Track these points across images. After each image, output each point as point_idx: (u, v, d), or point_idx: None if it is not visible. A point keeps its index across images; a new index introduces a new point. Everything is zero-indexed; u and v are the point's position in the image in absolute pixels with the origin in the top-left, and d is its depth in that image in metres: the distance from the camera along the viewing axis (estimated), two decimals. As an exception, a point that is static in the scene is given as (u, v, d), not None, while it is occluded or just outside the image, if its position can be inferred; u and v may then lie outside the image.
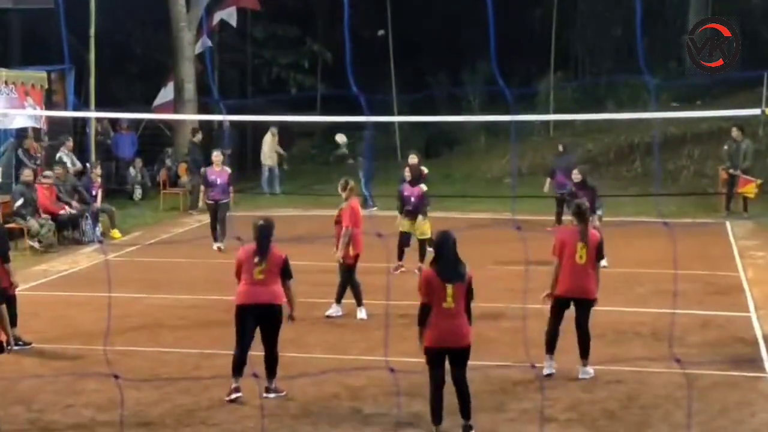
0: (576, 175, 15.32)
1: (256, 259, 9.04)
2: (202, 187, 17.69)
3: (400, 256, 14.78)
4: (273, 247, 9.17)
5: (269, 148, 24.93)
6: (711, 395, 9.16)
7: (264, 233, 9.12)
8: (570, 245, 9.57)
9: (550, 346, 9.71)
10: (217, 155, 17.32)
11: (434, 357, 8.07)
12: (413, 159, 15.87)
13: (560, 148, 18.79)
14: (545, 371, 9.64)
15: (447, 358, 8.10)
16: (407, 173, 15.11)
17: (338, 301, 12.20)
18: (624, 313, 12.42)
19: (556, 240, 9.73)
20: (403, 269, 14.62)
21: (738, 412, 8.83)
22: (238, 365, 9.03)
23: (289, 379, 9.43)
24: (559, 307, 9.70)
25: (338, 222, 11.99)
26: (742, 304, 12.87)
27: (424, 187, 14.99)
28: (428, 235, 14.73)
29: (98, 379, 9.32)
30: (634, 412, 8.80)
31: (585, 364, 9.69)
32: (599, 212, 14.96)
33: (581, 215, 9.73)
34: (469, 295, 8.13)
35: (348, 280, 12.02)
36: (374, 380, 9.43)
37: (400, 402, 8.60)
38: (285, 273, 9.14)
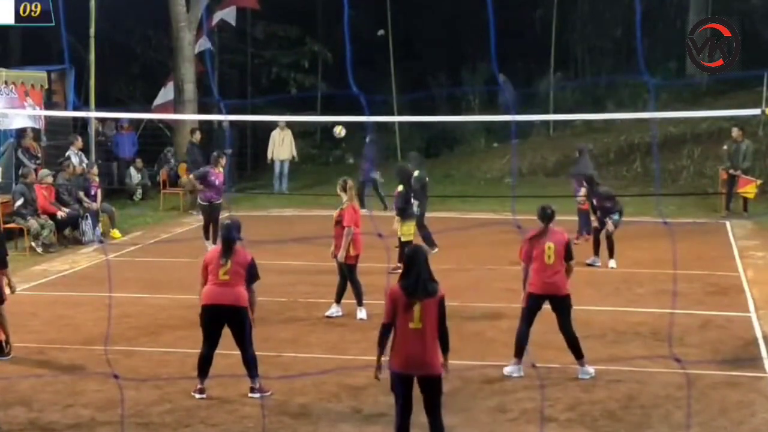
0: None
1: (222, 260, 9.03)
2: (198, 185, 17.41)
3: (400, 259, 14.66)
4: (240, 249, 9.13)
5: (280, 142, 24.87)
6: (711, 395, 9.16)
7: (229, 233, 9.12)
8: (538, 246, 9.64)
9: (519, 350, 9.66)
10: (223, 157, 17.31)
11: (399, 384, 7.26)
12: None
13: (577, 153, 17.47)
14: (509, 372, 9.66)
15: (418, 386, 7.29)
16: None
17: (338, 301, 12.20)
18: (624, 313, 12.43)
19: (524, 243, 9.77)
20: (400, 271, 14.46)
21: (738, 412, 8.82)
22: (203, 366, 9.10)
23: (289, 379, 9.44)
24: (531, 304, 9.68)
25: (338, 222, 11.97)
26: (742, 304, 12.86)
27: (399, 187, 14.89)
28: (405, 238, 14.39)
29: (98, 379, 9.33)
30: (634, 412, 8.79)
31: (582, 364, 9.70)
32: (615, 217, 14.94)
33: (547, 218, 9.81)
34: (440, 314, 7.25)
35: (350, 280, 12.02)
36: (374, 380, 9.40)
37: (400, 402, 8.59)
38: (250, 275, 9.08)
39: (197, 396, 9.12)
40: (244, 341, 9.01)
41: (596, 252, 15.20)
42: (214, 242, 16.83)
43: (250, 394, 9.10)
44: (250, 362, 9.07)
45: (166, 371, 10.02)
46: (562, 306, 9.70)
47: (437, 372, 7.28)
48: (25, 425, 8.58)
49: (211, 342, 9.09)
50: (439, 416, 7.36)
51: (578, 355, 9.68)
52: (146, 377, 9.61)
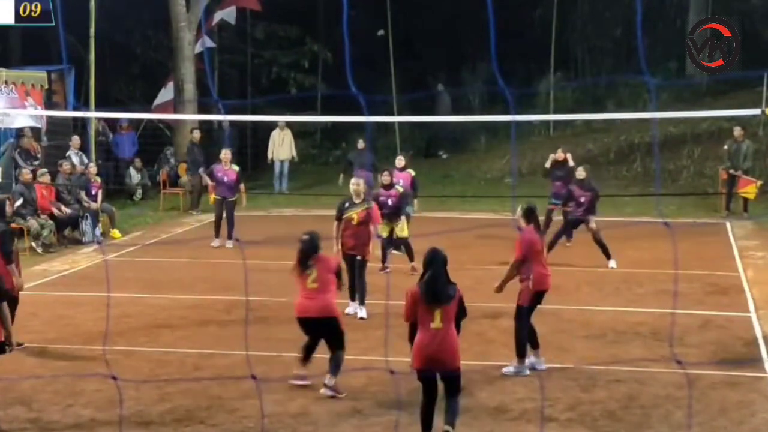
0: (580, 172, 15.31)
1: (307, 271, 9.29)
2: (209, 183, 17.73)
3: (384, 259, 14.55)
4: (324, 255, 9.47)
5: (280, 142, 24.88)
6: (711, 395, 9.16)
7: (307, 248, 9.36)
8: (536, 243, 9.82)
9: (523, 349, 9.78)
10: (226, 153, 17.60)
11: (423, 379, 7.88)
12: (399, 161, 16.48)
13: (559, 153, 17.22)
14: (515, 371, 9.75)
15: (440, 378, 7.88)
16: (386, 178, 14.47)
17: (353, 298, 12.22)
18: (624, 313, 12.43)
19: (524, 240, 9.82)
20: (388, 270, 14.32)
21: (738, 412, 8.82)
22: (305, 353, 9.42)
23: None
24: (535, 303, 9.83)
25: (364, 222, 12.07)
26: (742, 304, 12.86)
27: (399, 188, 14.78)
28: (406, 234, 14.64)
29: (98, 379, 9.32)
30: (634, 412, 8.80)
31: (537, 356, 9.86)
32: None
33: (536, 217, 10.02)
34: (460, 313, 7.86)
35: (360, 276, 12.10)
36: (374, 380, 9.43)
37: (400, 402, 8.59)
38: (339, 277, 9.52)
39: (294, 382, 9.31)
40: (334, 344, 9.25)
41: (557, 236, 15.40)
42: (217, 236, 17.23)
43: (322, 390, 9.16)
44: (335, 362, 9.23)
45: (166, 371, 10.02)
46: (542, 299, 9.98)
47: (457, 367, 7.83)
48: (25, 425, 8.58)
49: (309, 340, 9.44)
50: (456, 401, 7.93)
51: (534, 344, 9.82)
52: (146, 377, 9.61)
